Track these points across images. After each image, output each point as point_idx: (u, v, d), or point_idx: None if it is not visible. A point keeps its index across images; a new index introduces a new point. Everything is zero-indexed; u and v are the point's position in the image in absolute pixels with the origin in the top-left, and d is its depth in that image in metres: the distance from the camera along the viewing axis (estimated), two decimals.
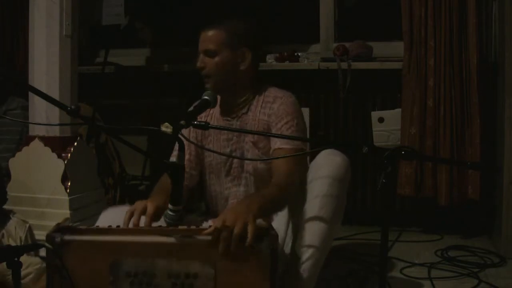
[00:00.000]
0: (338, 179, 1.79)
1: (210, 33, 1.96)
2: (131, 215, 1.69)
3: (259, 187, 1.94)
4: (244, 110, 2.00)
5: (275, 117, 1.95)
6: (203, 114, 2.05)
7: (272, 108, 1.96)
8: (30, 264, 2.05)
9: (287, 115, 1.94)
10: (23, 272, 1.99)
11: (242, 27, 1.99)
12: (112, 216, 1.79)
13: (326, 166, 1.81)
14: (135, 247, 1.49)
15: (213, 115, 2.06)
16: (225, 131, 2.00)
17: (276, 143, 1.91)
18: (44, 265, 2.03)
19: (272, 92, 2.01)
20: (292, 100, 1.99)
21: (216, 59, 1.94)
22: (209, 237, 1.49)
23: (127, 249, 1.49)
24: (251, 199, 1.65)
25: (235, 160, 2.01)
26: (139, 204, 1.73)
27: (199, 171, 2.09)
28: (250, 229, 1.46)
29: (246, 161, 2.00)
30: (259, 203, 1.60)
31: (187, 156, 2.05)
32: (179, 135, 1.57)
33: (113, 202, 3.19)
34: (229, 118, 2.02)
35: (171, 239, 1.50)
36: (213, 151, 2.00)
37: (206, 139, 2.05)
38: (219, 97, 2.03)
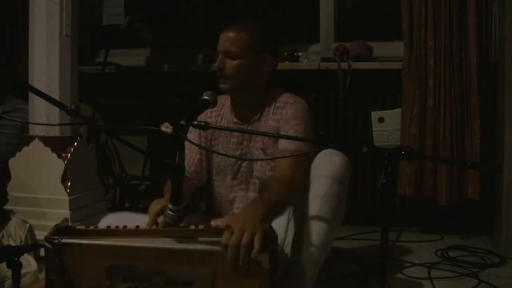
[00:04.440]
0: (338, 179, 1.79)
1: (233, 34, 1.90)
2: (157, 214, 1.67)
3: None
4: (256, 116, 1.98)
5: (283, 122, 1.94)
6: (213, 114, 2.04)
7: (281, 113, 1.95)
8: (25, 265, 2.05)
9: (294, 119, 1.93)
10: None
11: (265, 31, 1.95)
12: (111, 223, 1.78)
13: (326, 166, 1.80)
14: (132, 252, 1.48)
15: (223, 116, 2.05)
16: (236, 135, 1.99)
17: (282, 144, 1.90)
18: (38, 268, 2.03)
19: (284, 98, 1.99)
20: (302, 106, 1.97)
21: (237, 61, 1.90)
22: (208, 241, 1.48)
23: (125, 254, 1.48)
24: (257, 205, 1.63)
25: (244, 164, 2.00)
26: (158, 206, 1.71)
27: (208, 170, 2.09)
28: (257, 238, 1.44)
29: (256, 167, 1.99)
30: (264, 209, 1.59)
31: (197, 156, 2.05)
32: (182, 135, 1.57)
33: (113, 202, 3.19)
34: (240, 122, 2.01)
35: (168, 245, 1.49)
36: (220, 153, 1.99)
37: (216, 141, 2.05)
38: (230, 99, 2.03)
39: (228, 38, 1.91)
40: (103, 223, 1.84)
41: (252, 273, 1.45)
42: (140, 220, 1.75)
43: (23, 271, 2.00)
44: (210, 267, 1.45)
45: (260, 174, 1.98)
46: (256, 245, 1.43)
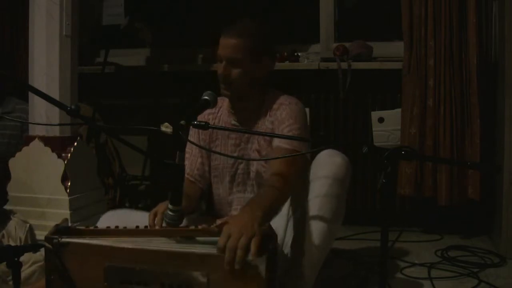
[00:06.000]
0: (338, 179, 1.79)
1: (236, 41, 1.87)
2: (155, 216, 1.68)
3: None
4: (253, 119, 1.98)
5: (278, 122, 1.94)
6: (210, 117, 2.04)
7: (276, 115, 1.95)
8: (33, 262, 2.05)
9: (289, 118, 1.92)
10: (28, 270, 2.00)
11: (264, 33, 1.95)
12: (111, 221, 1.78)
13: (326, 166, 1.81)
14: (130, 253, 1.47)
15: (221, 118, 2.05)
16: (233, 137, 1.99)
17: (276, 142, 1.90)
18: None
19: (280, 100, 1.98)
20: (297, 107, 1.97)
21: (241, 69, 1.89)
22: (206, 242, 1.48)
23: (123, 255, 1.48)
24: (254, 207, 1.61)
25: (241, 166, 2.01)
26: (162, 206, 1.71)
27: (210, 172, 2.09)
28: (254, 241, 1.44)
29: (252, 169, 2.00)
30: (262, 211, 1.59)
31: (199, 159, 2.05)
32: (182, 135, 1.57)
33: (113, 202, 3.19)
34: (238, 125, 2.00)
35: (166, 247, 1.49)
36: (223, 154, 1.99)
37: (213, 143, 2.04)
38: (228, 102, 2.02)
39: (230, 44, 1.88)
40: (103, 221, 1.84)
41: (248, 278, 1.43)
42: (139, 217, 1.76)
43: (31, 267, 2.01)
44: (206, 271, 1.44)
45: (256, 176, 1.98)
46: (253, 247, 1.43)
